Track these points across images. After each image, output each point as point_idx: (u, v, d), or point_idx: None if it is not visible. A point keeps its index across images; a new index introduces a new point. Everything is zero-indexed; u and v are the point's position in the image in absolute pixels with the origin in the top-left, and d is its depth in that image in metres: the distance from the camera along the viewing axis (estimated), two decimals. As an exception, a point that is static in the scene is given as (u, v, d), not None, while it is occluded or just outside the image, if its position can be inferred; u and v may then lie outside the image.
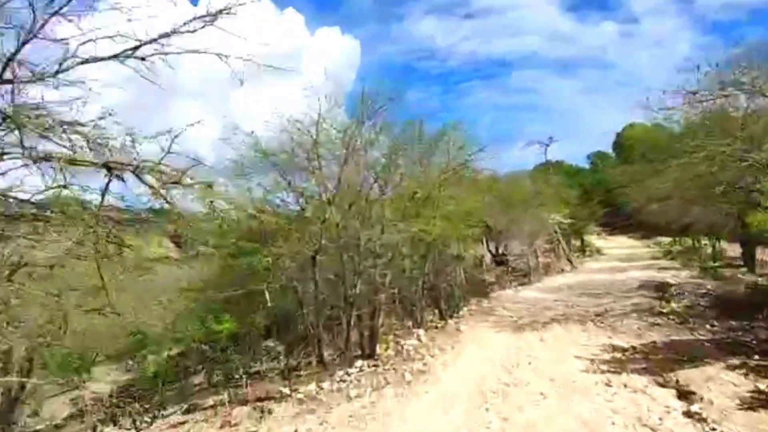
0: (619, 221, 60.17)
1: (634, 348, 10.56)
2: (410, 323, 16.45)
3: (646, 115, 14.07)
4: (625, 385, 8.27)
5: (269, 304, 11.78)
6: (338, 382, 10.33)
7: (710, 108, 11.86)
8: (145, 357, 15.68)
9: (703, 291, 16.76)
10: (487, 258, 38.91)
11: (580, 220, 43.28)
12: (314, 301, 11.59)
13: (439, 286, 17.29)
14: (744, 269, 23.86)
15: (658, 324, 12.63)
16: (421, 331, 15.02)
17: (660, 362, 9.35)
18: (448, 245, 17.95)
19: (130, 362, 17.58)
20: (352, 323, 11.95)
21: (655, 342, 10.81)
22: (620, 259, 35.59)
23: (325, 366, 11.76)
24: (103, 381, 16.23)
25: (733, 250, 33.49)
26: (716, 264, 25.42)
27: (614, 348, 10.73)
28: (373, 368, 11.06)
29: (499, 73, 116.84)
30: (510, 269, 28.58)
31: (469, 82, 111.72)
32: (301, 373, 11.60)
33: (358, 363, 11.41)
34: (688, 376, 8.35)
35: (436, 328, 15.20)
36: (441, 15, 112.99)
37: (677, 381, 8.20)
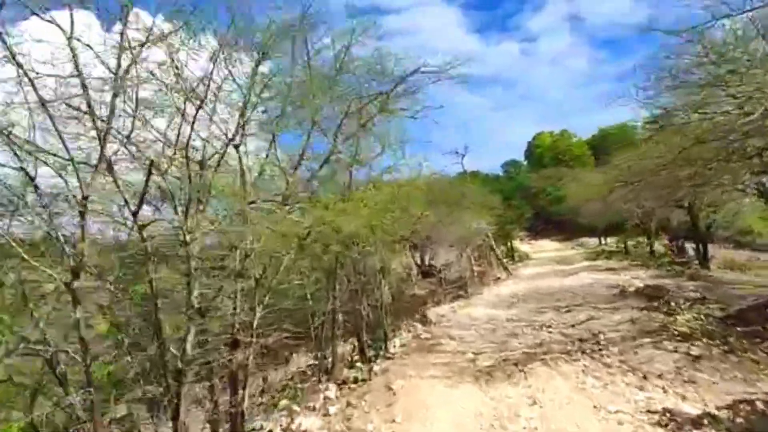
0: (539, 225, 59.24)
1: (714, 418, 5.71)
2: (318, 374, 10.79)
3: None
4: None
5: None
6: None
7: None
8: None
9: (697, 295, 12.93)
10: (414, 270, 34.24)
11: (506, 224, 40.33)
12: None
13: (358, 311, 11.80)
14: (697, 266, 21.31)
15: (695, 355, 8.10)
16: (331, 390, 9.38)
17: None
18: (367, 254, 12.85)
19: None
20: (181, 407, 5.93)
21: (739, 401, 6.07)
22: (555, 261, 32.56)
23: None
24: None
25: (668, 246, 32.09)
26: (680, 261, 22.72)
27: (674, 418, 5.84)
28: None
29: (411, 91, 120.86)
30: (442, 281, 23.84)
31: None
32: None
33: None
34: None
35: (356, 382, 9.60)
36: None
37: None
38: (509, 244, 40.82)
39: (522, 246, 48.68)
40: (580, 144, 66.26)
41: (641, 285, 14.86)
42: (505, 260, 40.13)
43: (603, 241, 43.80)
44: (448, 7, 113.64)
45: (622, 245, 40.95)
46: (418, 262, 33.21)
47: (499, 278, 25.38)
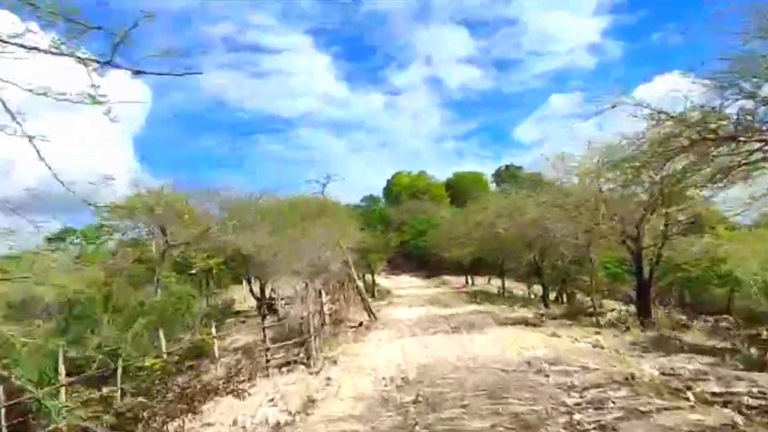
0: (398, 259, 53.88)
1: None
2: None
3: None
4: None
5: None
6: None
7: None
8: None
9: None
10: (251, 302, 24.79)
11: (369, 252, 33.25)
12: None
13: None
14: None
15: None
16: None
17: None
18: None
19: None
20: None
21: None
22: (428, 301, 25.98)
23: None
24: None
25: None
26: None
27: None
28: None
29: (283, 128, 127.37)
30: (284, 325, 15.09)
31: (257, 134, 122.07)
32: None
33: None
34: None
35: None
36: (231, 71, 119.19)
37: None
38: (371, 277, 33.63)
39: (380, 279, 42.17)
40: (438, 185, 65.60)
41: (655, 372, 8.25)
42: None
43: (469, 280, 39.40)
44: (321, 54, 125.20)
45: (494, 286, 37.13)
46: (257, 294, 23.98)
47: (361, 325, 17.43)
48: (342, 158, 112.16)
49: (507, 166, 67.68)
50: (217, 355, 13.08)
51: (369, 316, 19.37)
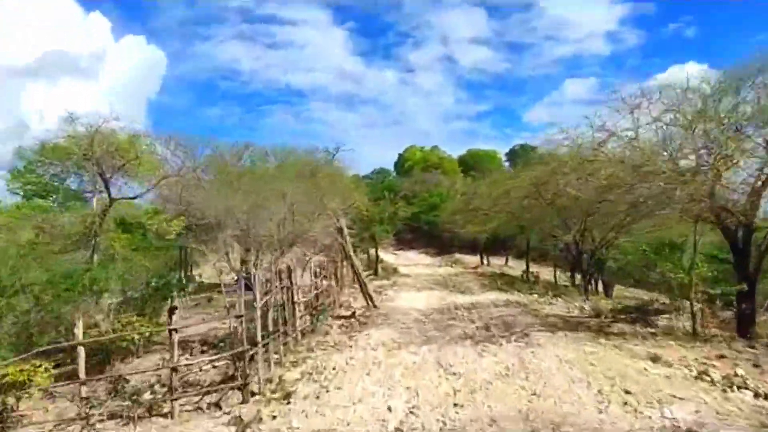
0: (407, 234, 49.53)
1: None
2: None
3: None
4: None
5: None
6: None
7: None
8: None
9: None
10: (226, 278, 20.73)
11: (373, 223, 28.95)
12: None
13: None
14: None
15: None
16: None
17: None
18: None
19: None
20: None
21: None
22: (441, 284, 21.76)
23: None
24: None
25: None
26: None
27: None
28: None
29: (295, 101, 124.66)
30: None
31: (268, 105, 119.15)
32: None
33: None
34: None
35: None
36: (246, 41, 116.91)
37: None
38: (375, 252, 29.42)
39: (386, 255, 37.95)
40: (451, 160, 62.39)
41: None
42: (367, 275, 28.74)
43: (485, 260, 35.04)
44: (337, 28, 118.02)
45: (512, 268, 32.78)
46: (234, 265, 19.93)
47: (353, 316, 13.18)
48: (353, 133, 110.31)
49: (522, 146, 63.60)
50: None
51: (367, 302, 15.13)
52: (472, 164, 60.47)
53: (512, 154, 64.87)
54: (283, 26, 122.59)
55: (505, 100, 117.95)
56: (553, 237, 20.78)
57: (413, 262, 36.73)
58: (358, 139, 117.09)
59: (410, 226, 43.64)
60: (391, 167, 69.35)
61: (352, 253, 15.33)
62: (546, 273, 29.83)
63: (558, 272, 27.77)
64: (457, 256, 40.10)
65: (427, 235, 48.69)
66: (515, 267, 36.10)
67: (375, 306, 14.79)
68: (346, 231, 15.19)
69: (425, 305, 14.92)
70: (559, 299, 17.26)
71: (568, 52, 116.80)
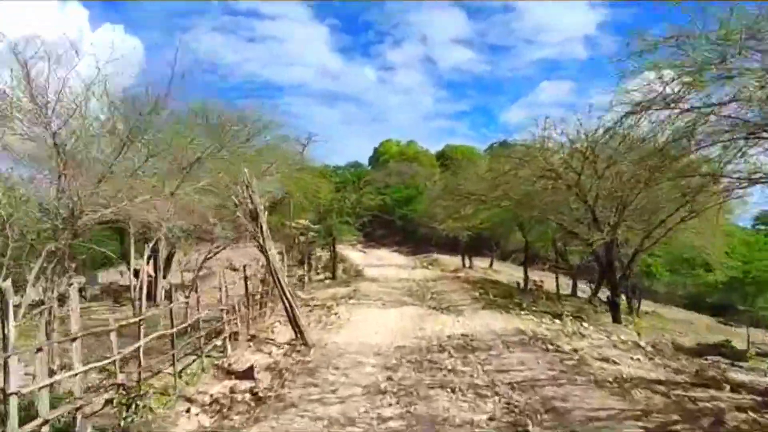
0: (377, 229, 43.60)
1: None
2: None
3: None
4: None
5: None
6: None
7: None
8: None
9: None
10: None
11: (332, 212, 23.01)
12: None
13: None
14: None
15: None
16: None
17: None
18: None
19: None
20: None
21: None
22: (415, 294, 16.07)
23: None
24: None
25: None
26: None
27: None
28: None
29: (273, 95, 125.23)
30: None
31: (246, 100, 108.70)
32: None
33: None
34: None
35: None
36: (226, 34, 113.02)
37: None
38: (332, 250, 23.43)
39: (351, 253, 32.06)
40: (429, 155, 57.89)
41: None
42: (319, 275, 23.06)
43: (467, 262, 29.49)
44: (318, 25, 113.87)
45: (499, 271, 27.44)
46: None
47: (252, 376, 7.19)
48: (332, 129, 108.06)
49: (502, 142, 59.35)
50: None
51: (296, 334, 9.18)
52: (450, 159, 56.31)
53: (492, 150, 60.94)
54: (264, 20, 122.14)
55: (483, 101, 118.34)
56: (572, 235, 15.16)
57: (383, 262, 30.86)
58: (336, 136, 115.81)
59: (381, 220, 37.50)
60: (366, 162, 64.11)
61: (272, 251, 9.27)
62: (540, 278, 24.72)
63: (555, 274, 22.81)
64: (435, 256, 34.51)
65: (400, 231, 43.00)
66: (501, 271, 30.81)
67: (306, 344, 8.84)
68: (263, 219, 9.16)
69: (390, 342, 9.10)
70: (588, 325, 11.81)
71: (546, 54, 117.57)
